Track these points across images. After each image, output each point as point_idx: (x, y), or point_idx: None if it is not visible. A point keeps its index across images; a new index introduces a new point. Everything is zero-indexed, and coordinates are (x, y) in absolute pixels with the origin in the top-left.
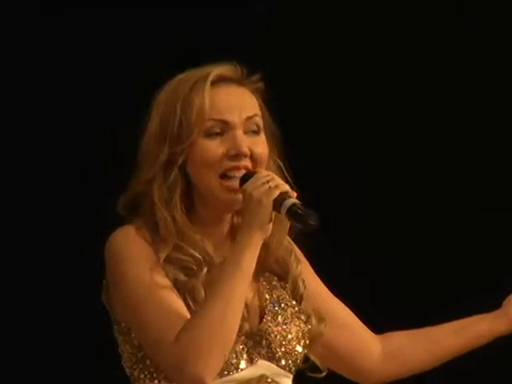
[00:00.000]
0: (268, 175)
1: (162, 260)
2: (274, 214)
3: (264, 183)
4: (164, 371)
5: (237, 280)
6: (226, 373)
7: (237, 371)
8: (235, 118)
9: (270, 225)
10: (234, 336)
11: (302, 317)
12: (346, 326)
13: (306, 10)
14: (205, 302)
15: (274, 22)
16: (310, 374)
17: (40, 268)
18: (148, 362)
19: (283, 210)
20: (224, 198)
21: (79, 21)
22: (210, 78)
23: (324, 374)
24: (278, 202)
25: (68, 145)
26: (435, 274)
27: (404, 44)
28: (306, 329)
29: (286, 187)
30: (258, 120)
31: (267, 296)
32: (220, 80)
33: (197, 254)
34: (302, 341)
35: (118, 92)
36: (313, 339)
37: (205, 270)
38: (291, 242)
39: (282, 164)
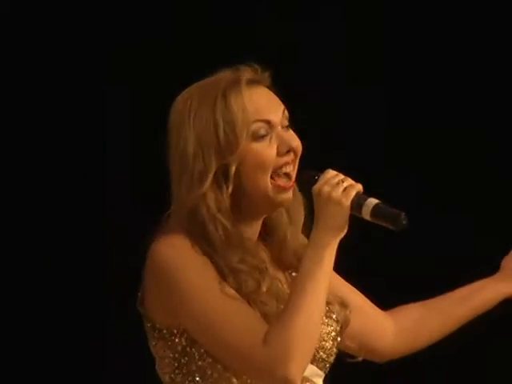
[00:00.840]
0: (337, 175)
1: (233, 264)
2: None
3: (339, 183)
4: (253, 378)
5: (321, 282)
6: None
7: None
8: (275, 116)
9: (346, 227)
10: (319, 335)
11: (334, 316)
12: (358, 310)
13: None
14: (290, 302)
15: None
16: (349, 360)
17: (39, 268)
18: (194, 368)
19: (366, 211)
20: (277, 199)
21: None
22: (244, 81)
23: (361, 359)
24: (357, 203)
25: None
26: None
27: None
28: (338, 328)
29: (360, 186)
30: (287, 113)
31: None
32: (249, 83)
33: (259, 263)
34: (336, 341)
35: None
36: (343, 329)
37: (266, 278)
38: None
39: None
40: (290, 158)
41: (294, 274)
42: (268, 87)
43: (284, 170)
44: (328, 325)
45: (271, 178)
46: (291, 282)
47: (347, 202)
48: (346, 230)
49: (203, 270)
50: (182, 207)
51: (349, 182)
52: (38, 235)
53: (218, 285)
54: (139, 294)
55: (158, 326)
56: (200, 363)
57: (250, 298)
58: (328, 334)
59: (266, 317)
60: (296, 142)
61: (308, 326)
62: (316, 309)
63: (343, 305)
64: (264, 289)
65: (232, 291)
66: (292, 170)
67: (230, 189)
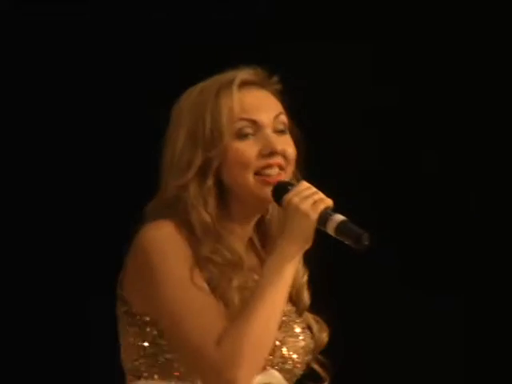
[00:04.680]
0: (310, 187)
1: (204, 255)
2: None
3: (309, 196)
4: (199, 375)
5: (279, 292)
6: None
7: None
8: (264, 117)
9: (311, 240)
10: (273, 344)
11: (309, 332)
12: None
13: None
14: (248, 308)
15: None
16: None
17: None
18: (161, 360)
19: (331, 227)
20: (261, 194)
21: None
22: (236, 82)
23: (327, 382)
24: (324, 217)
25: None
26: None
27: None
28: (312, 345)
29: (330, 202)
30: (284, 118)
31: None
32: (244, 84)
33: (234, 257)
34: (307, 356)
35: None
36: (315, 350)
37: (239, 273)
38: None
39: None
40: (274, 160)
41: None
42: (272, 92)
43: (267, 171)
44: (302, 339)
45: (256, 175)
46: None
47: (314, 215)
48: (310, 243)
49: (182, 257)
50: (167, 194)
51: (320, 196)
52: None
53: (192, 275)
54: (120, 276)
55: (133, 310)
56: (168, 356)
57: (218, 291)
58: (301, 347)
59: (230, 314)
60: (283, 146)
61: (261, 333)
62: (272, 318)
63: (322, 327)
64: (234, 284)
65: (202, 284)
66: (276, 173)
67: (210, 182)
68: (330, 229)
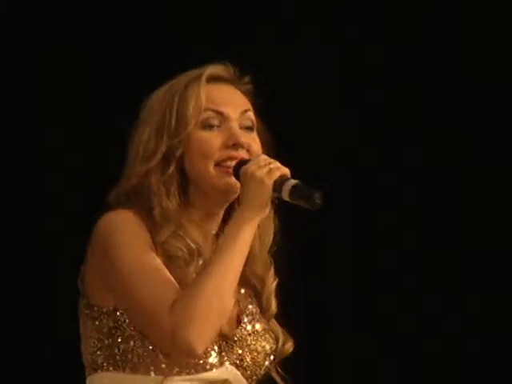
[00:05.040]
0: (268, 158)
1: (161, 241)
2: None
3: (266, 164)
4: (156, 343)
5: (233, 255)
6: (192, 371)
7: (204, 371)
8: (231, 110)
9: (268, 208)
10: (229, 309)
11: (272, 334)
12: None
13: None
14: (202, 272)
15: None
16: None
17: None
18: (116, 351)
19: (285, 191)
20: (220, 183)
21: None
22: (205, 75)
23: None
24: (279, 183)
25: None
26: None
27: None
28: (274, 347)
29: (287, 170)
30: (252, 116)
31: (243, 307)
32: (213, 78)
33: (192, 244)
34: (269, 357)
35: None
36: (277, 358)
37: (197, 260)
38: (271, 258)
39: None
40: (237, 153)
41: (242, 290)
42: (242, 90)
43: (229, 163)
44: (263, 339)
45: (216, 166)
46: (240, 294)
47: (269, 181)
48: (267, 210)
49: (138, 237)
50: (131, 182)
51: (276, 164)
52: None
53: (147, 253)
54: (81, 268)
55: (92, 302)
56: (122, 346)
57: (173, 275)
58: (260, 346)
59: None
60: (248, 141)
61: (213, 295)
62: (225, 280)
63: (287, 338)
64: (191, 270)
65: (158, 261)
66: (237, 161)
67: (172, 169)
68: (285, 194)
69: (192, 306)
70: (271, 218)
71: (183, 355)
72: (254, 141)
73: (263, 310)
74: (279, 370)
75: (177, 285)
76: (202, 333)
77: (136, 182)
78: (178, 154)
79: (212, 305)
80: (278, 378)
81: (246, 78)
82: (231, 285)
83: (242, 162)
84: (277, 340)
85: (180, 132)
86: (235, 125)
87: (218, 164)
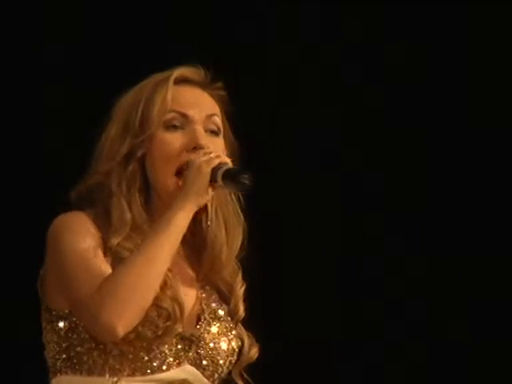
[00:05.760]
0: (211, 149)
1: (113, 247)
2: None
3: (206, 153)
4: (86, 326)
5: (164, 239)
6: (148, 371)
7: (160, 371)
8: (196, 113)
9: (207, 195)
10: (154, 293)
11: (235, 332)
12: None
13: None
14: (130, 257)
15: None
16: None
17: None
18: (72, 353)
19: (219, 177)
20: (176, 195)
21: None
22: (173, 76)
23: None
24: (215, 171)
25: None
26: None
27: None
28: (236, 347)
29: (228, 159)
30: (218, 120)
31: (205, 307)
32: (182, 80)
33: None
34: (230, 358)
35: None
36: (242, 362)
37: None
38: (238, 263)
39: None
40: (198, 156)
41: (209, 289)
42: (213, 95)
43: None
44: (229, 342)
45: (177, 175)
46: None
47: (207, 168)
48: (205, 198)
49: (82, 237)
50: (91, 181)
51: (217, 154)
52: None
53: (90, 250)
54: (40, 272)
55: (50, 306)
56: (78, 349)
57: None
58: (224, 348)
59: None
60: (208, 143)
61: (138, 277)
62: (151, 262)
63: (253, 343)
64: None
65: (100, 259)
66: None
67: (132, 169)
68: (219, 179)
69: (115, 286)
70: (240, 223)
71: (105, 336)
72: (217, 145)
73: (231, 314)
74: (244, 375)
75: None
76: (123, 315)
77: (98, 180)
78: (139, 154)
79: (135, 286)
80: (237, 379)
81: (219, 84)
82: (158, 270)
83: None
84: (242, 343)
85: (143, 132)
86: (199, 127)
87: (178, 172)
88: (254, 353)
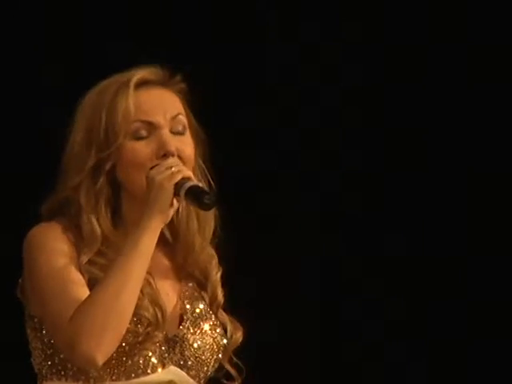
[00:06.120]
0: (174, 161)
1: (84, 262)
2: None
3: (167, 168)
4: (63, 354)
5: (133, 262)
6: (133, 375)
7: (145, 374)
8: (160, 118)
9: (171, 210)
10: (129, 317)
11: (219, 330)
12: None
13: None
14: (101, 282)
15: None
16: (224, 382)
17: None
18: (57, 360)
19: (182, 193)
20: None
21: None
22: (133, 81)
23: (238, 382)
24: (179, 186)
25: None
26: None
27: None
28: (222, 343)
29: (189, 173)
30: (183, 119)
31: (188, 306)
32: (143, 83)
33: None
34: (216, 354)
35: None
36: (228, 348)
37: None
38: (212, 250)
39: (203, 165)
40: (168, 162)
41: (190, 284)
42: (174, 91)
43: None
44: (210, 336)
45: None
46: (184, 292)
47: (169, 185)
48: (170, 214)
49: (58, 251)
50: (61, 196)
51: (178, 168)
52: None
53: (63, 267)
54: (20, 281)
55: (31, 313)
56: (62, 356)
57: None
58: (207, 344)
59: None
60: (179, 147)
61: (111, 303)
62: (124, 287)
63: (236, 327)
64: None
65: (76, 274)
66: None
67: (101, 183)
68: (182, 196)
69: (89, 315)
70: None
71: (84, 365)
72: (185, 145)
73: (210, 301)
74: (233, 358)
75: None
76: (101, 344)
77: (67, 194)
78: (107, 167)
79: (110, 314)
80: (231, 370)
81: (178, 77)
82: (131, 295)
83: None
84: (225, 329)
85: (109, 144)
86: (165, 132)
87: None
88: (239, 337)
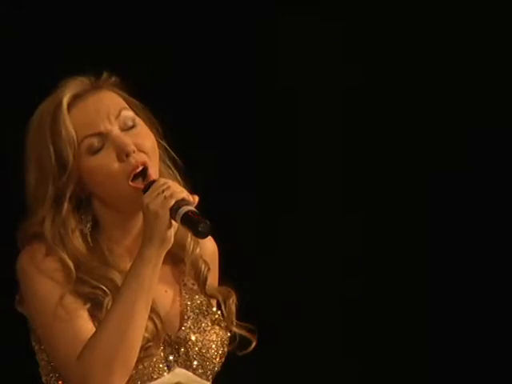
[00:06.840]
0: (164, 184)
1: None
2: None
3: (159, 194)
4: None
5: (138, 295)
6: (139, 382)
7: (151, 380)
8: (105, 123)
9: (171, 233)
10: (137, 352)
11: (222, 324)
12: None
13: None
14: (106, 318)
15: None
16: (240, 352)
17: None
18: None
19: (178, 219)
20: (135, 200)
21: None
22: (64, 103)
23: (254, 344)
24: (174, 211)
25: None
26: None
27: None
28: (226, 336)
29: (182, 195)
30: (127, 112)
31: (188, 302)
32: (76, 97)
33: (101, 285)
34: (221, 349)
35: None
36: (227, 316)
37: (109, 297)
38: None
39: (166, 145)
40: (135, 159)
41: (185, 280)
42: (110, 89)
43: (137, 171)
44: (213, 332)
45: (133, 181)
46: (188, 291)
47: (164, 211)
48: (170, 243)
49: (52, 281)
50: (30, 230)
51: (170, 191)
52: None
53: (60, 294)
54: (17, 296)
55: (33, 326)
56: None
57: (92, 314)
58: (211, 341)
59: None
60: (136, 141)
61: (118, 340)
62: (129, 323)
63: (227, 294)
64: (109, 307)
65: (76, 301)
66: (144, 169)
67: (65, 211)
68: (178, 220)
69: (98, 356)
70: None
71: None
72: (142, 137)
73: (197, 280)
74: (241, 324)
75: (88, 332)
76: (111, 377)
77: (34, 230)
78: (68, 193)
79: (118, 354)
80: (242, 332)
81: (105, 75)
82: (137, 329)
83: (146, 189)
84: (218, 301)
85: (64, 171)
86: (116, 134)
87: (133, 177)
88: (231, 303)
